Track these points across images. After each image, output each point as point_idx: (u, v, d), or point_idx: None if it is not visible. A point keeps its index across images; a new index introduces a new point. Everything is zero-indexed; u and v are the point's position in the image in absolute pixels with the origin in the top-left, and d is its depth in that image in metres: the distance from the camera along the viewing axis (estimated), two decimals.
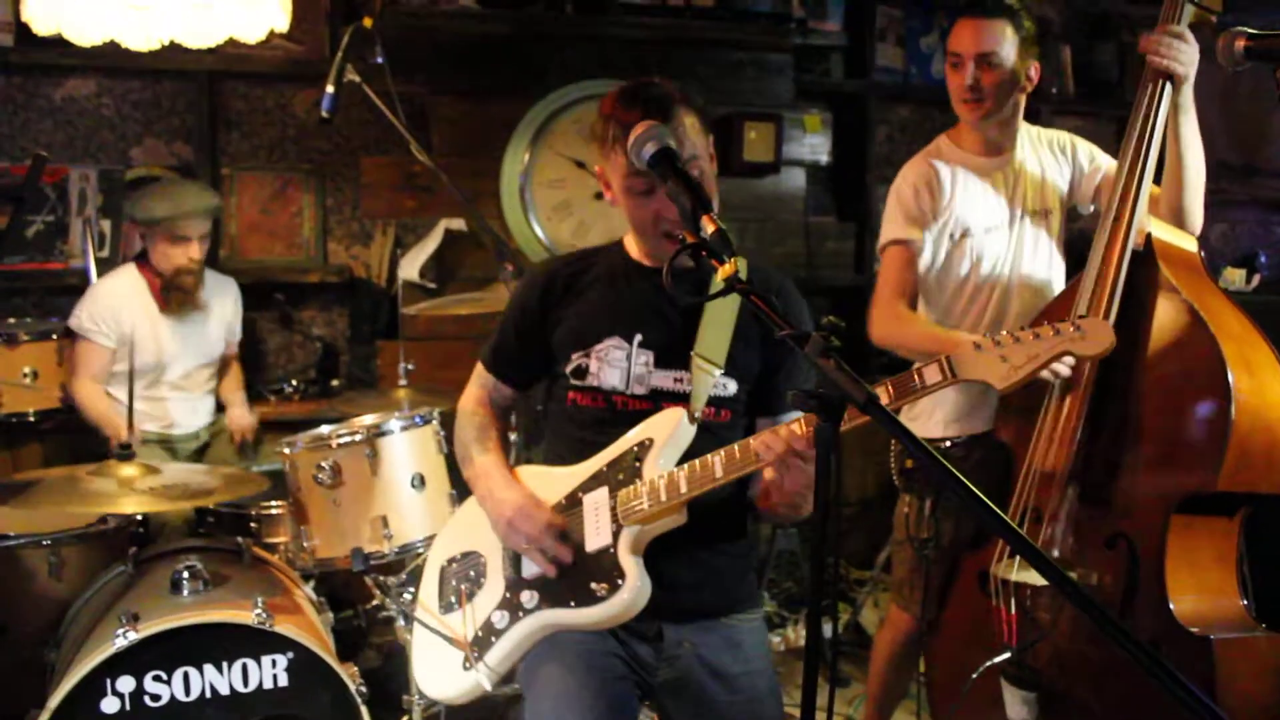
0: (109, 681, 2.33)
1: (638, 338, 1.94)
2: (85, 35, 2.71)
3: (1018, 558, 2.36)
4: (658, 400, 1.93)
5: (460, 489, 3.01)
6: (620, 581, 1.81)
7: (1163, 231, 2.42)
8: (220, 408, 3.77)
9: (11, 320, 3.70)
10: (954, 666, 2.57)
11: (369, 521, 2.81)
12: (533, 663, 1.92)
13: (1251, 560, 2.33)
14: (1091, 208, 2.75)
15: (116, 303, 3.46)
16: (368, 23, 2.92)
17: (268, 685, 2.45)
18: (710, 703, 1.93)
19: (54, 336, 3.57)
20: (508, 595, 1.96)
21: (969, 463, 2.70)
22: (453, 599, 2.07)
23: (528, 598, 1.92)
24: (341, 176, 4.34)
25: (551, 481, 1.99)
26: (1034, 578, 2.32)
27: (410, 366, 3.44)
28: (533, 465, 2.09)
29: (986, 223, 2.67)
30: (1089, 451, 2.33)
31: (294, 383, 4.21)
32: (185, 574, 2.56)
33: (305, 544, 2.83)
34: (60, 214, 4.06)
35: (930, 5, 4.92)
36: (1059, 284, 2.76)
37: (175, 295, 3.50)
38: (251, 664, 2.44)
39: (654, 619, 1.89)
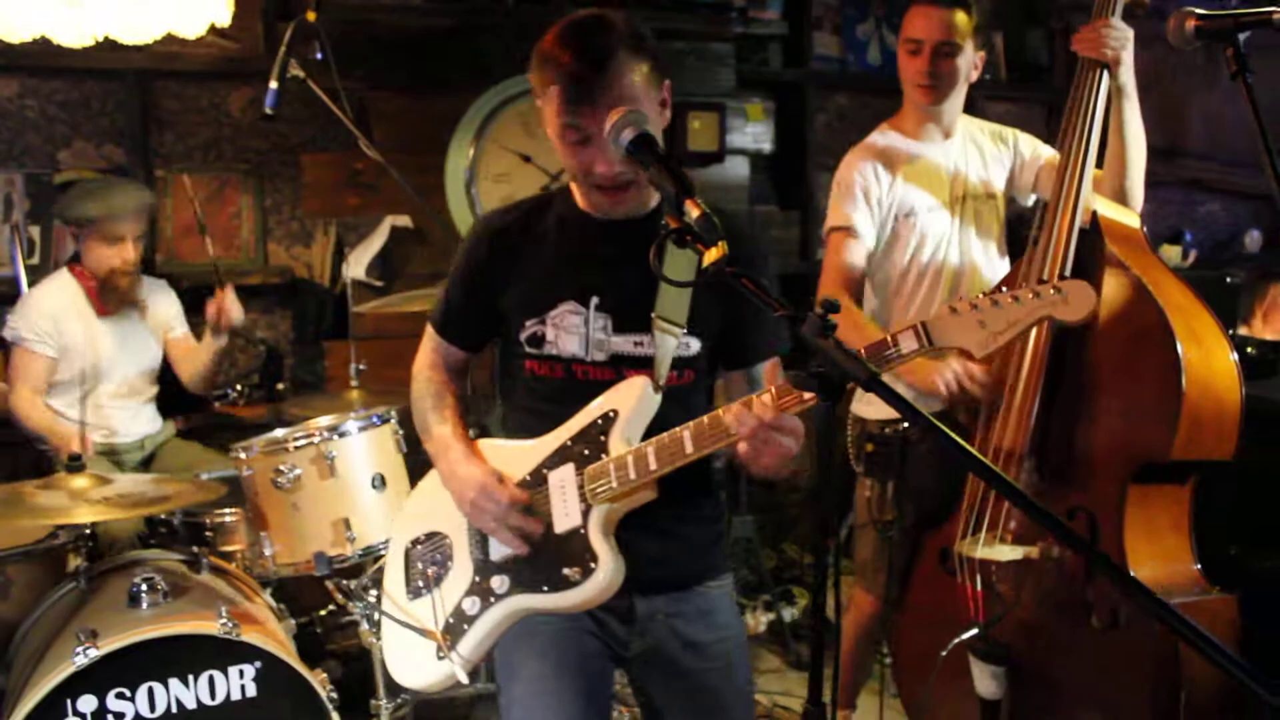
0: (69, 702, 2.26)
1: (594, 300, 1.85)
2: (15, 31, 2.62)
3: (981, 535, 2.41)
4: (619, 366, 1.85)
5: None
6: (593, 565, 1.77)
7: (1107, 209, 2.47)
8: (166, 413, 3.66)
9: None
10: (919, 645, 2.61)
11: (331, 524, 2.77)
12: (507, 649, 1.88)
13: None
14: (1032, 198, 2.81)
15: (54, 309, 3.35)
16: (311, 16, 2.86)
17: (235, 696, 2.41)
18: (683, 672, 1.90)
19: None
20: (477, 580, 1.90)
21: (926, 444, 2.74)
22: (420, 584, 1.99)
23: (499, 583, 1.87)
24: (280, 176, 4.24)
25: (513, 456, 1.91)
26: (998, 553, 2.35)
27: (362, 366, 3.39)
28: (492, 439, 2.01)
29: (929, 203, 2.72)
30: (1044, 427, 2.37)
31: (238, 387, 4.11)
32: (143, 586, 2.49)
33: (266, 550, 2.77)
34: None
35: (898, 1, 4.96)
36: (1002, 268, 2.82)
37: (113, 295, 3.39)
38: (218, 676, 2.39)
39: (625, 594, 1.83)
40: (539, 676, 1.80)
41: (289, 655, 2.46)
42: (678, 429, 1.73)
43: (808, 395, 1.58)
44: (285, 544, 2.79)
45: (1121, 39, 2.36)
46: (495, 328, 1.98)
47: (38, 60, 3.84)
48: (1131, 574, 2.26)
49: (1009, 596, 2.39)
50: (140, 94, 4.02)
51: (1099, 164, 2.53)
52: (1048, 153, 2.77)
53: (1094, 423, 2.35)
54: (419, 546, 2.03)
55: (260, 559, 2.85)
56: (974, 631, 2.37)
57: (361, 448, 2.84)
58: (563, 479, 1.83)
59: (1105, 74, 2.39)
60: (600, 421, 1.82)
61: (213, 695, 2.39)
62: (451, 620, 1.90)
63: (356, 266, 3.83)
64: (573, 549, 1.79)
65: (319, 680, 2.48)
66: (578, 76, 1.70)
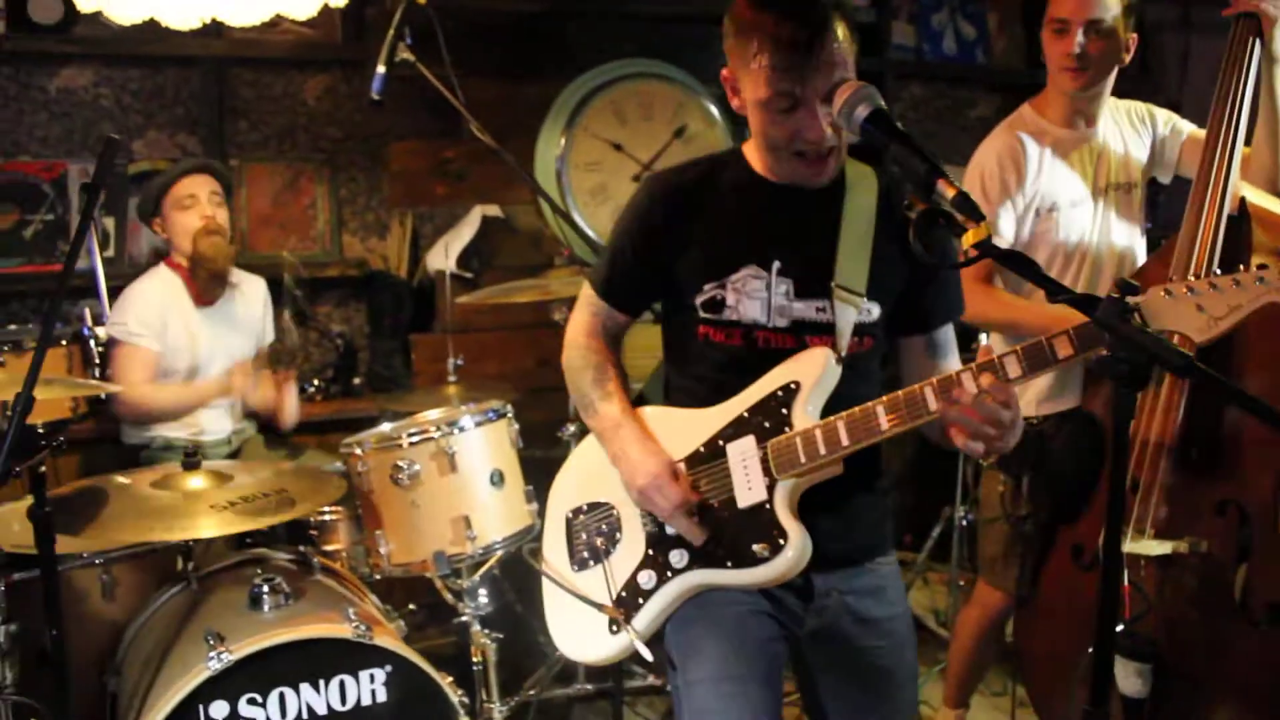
0: (201, 708, 2.16)
1: (776, 264, 1.77)
2: (124, 13, 2.52)
3: (1130, 529, 2.31)
4: (800, 333, 1.77)
5: (536, 485, 2.89)
6: (782, 541, 1.69)
7: (1256, 195, 2.37)
8: (248, 415, 3.56)
9: (13, 327, 3.45)
10: (1049, 643, 2.55)
11: (450, 522, 2.65)
12: (683, 625, 1.80)
13: None
14: (1170, 176, 2.71)
15: (158, 302, 3.25)
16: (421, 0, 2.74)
17: (366, 701, 2.31)
18: (857, 650, 1.83)
19: (63, 343, 3.34)
20: (651, 553, 1.82)
21: (1060, 439, 2.64)
22: (586, 555, 1.92)
23: (677, 557, 1.79)
24: (355, 165, 4.15)
25: (684, 426, 1.84)
26: (1145, 548, 2.27)
27: (460, 361, 3.29)
28: (658, 407, 1.92)
29: (1072, 197, 2.60)
30: (1192, 419, 2.28)
31: (315, 382, 4.02)
32: (265, 588, 2.39)
33: (381, 549, 2.66)
34: (60, 213, 3.82)
35: None
36: (1141, 257, 2.72)
37: (204, 270, 3.27)
38: (349, 680, 2.30)
39: (804, 570, 1.76)
40: (722, 660, 1.73)
41: (419, 658, 2.36)
42: (870, 404, 1.67)
43: (1011, 373, 1.55)
44: (401, 542, 2.67)
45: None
46: (662, 291, 1.90)
47: (112, 48, 3.76)
48: None
49: (1154, 592, 2.30)
50: (216, 82, 3.92)
51: (1247, 141, 2.42)
52: (1188, 128, 2.66)
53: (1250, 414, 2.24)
54: (582, 516, 1.95)
55: (371, 557, 2.74)
56: (1120, 628, 2.26)
57: (479, 443, 2.72)
58: (744, 451, 1.76)
59: (1259, 41, 2.27)
60: (781, 393, 1.75)
61: (343, 700, 2.29)
62: (625, 594, 1.84)
63: (443, 258, 3.73)
64: (758, 524, 1.73)
65: (448, 683, 2.39)
66: (791, 43, 1.62)
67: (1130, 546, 2.28)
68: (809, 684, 1.89)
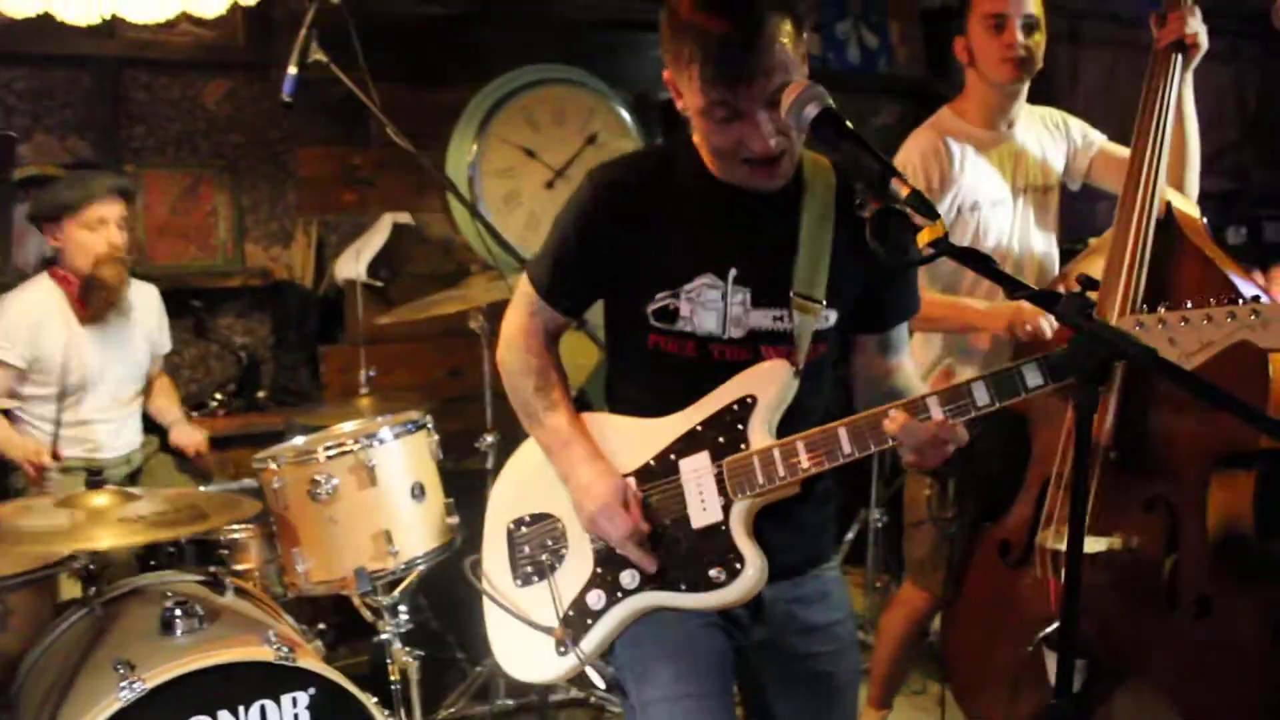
0: None
1: (732, 273, 1.68)
2: (19, 6, 2.39)
3: (1055, 526, 2.37)
4: (756, 343, 1.70)
5: (457, 496, 2.83)
6: (739, 566, 1.65)
7: (1178, 200, 2.46)
8: (150, 427, 3.42)
9: None
10: (974, 640, 2.60)
11: (371, 537, 2.57)
12: (632, 643, 1.74)
13: None
14: (1079, 184, 2.79)
15: (33, 317, 3.08)
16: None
17: None
18: (801, 657, 1.80)
19: None
20: (599, 571, 1.75)
21: (985, 438, 2.68)
22: (530, 570, 1.83)
23: (628, 578, 1.72)
24: (257, 172, 4.02)
25: (633, 436, 1.76)
26: (1088, 545, 2.29)
27: (373, 372, 3.20)
28: (604, 414, 1.84)
29: (993, 196, 2.65)
30: (1122, 418, 2.34)
31: (216, 397, 3.87)
32: (177, 612, 2.28)
33: (299, 567, 2.57)
34: None
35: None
36: (1055, 259, 2.79)
37: (97, 296, 3.13)
38: (270, 705, 2.19)
39: None
40: (677, 677, 1.67)
41: (343, 679, 2.28)
42: (831, 425, 1.63)
43: (980, 402, 1.54)
44: (320, 560, 2.58)
45: (1200, 24, 2.36)
46: (607, 292, 1.80)
47: None
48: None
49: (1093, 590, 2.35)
50: (109, 83, 3.75)
51: None
52: (1099, 139, 2.74)
53: (1179, 412, 2.31)
54: (524, 528, 1.86)
55: (286, 576, 2.64)
56: (1055, 625, 2.31)
57: (399, 455, 2.65)
58: (697, 468, 1.70)
59: (1181, 60, 2.38)
60: (737, 407, 1.69)
61: None
62: (572, 613, 1.76)
63: (353, 266, 3.63)
64: (713, 547, 1.67)
65: (373, 704, 2.31)
66: (728, 45, 1.52)
67: (1058, 544, 2.32)
68: (753, 691, 1.85)
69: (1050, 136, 2.74)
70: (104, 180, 3.15)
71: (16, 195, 3.61)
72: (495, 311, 3.19)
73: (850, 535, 4.08)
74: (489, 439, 3.21)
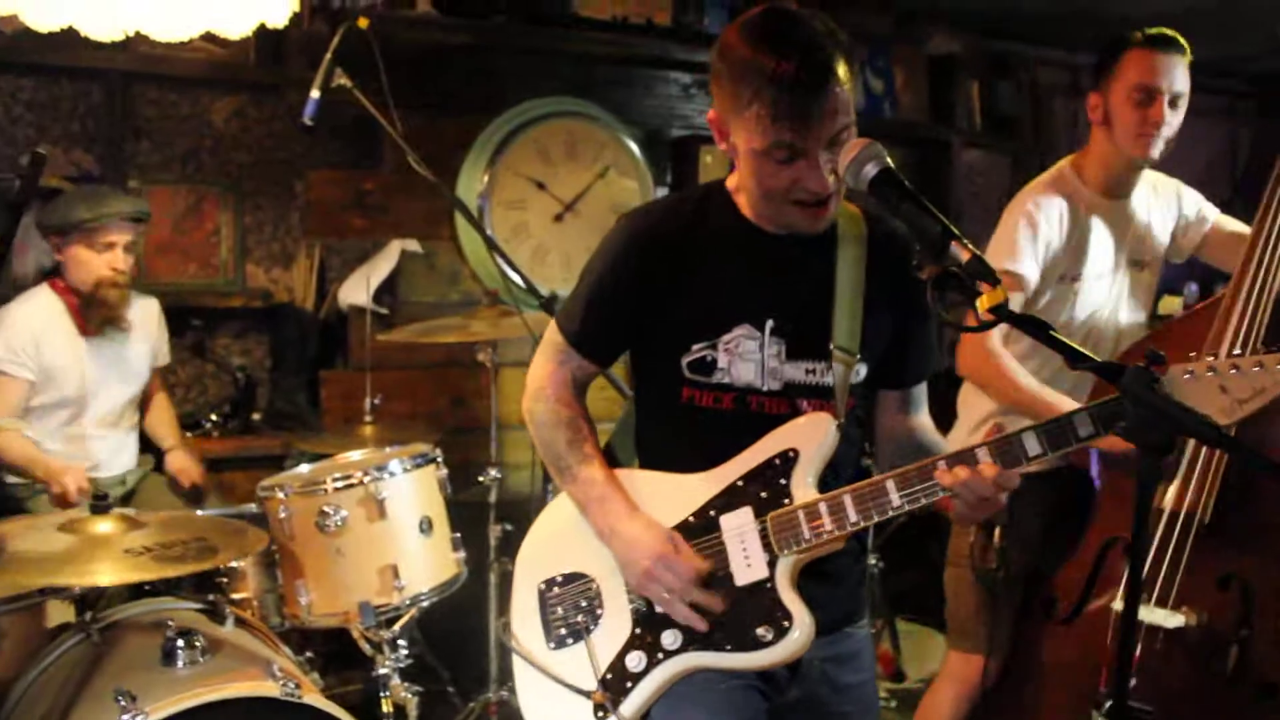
0: None
1: (769, 324, 1.66)
2: (43, 20, 2.36)
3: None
4: (793, 396, 1.67)
5: (465, 531, 2.79)
6: (787, 624, 1.60)
7: None
8: (145, 447, 3.36)
9: None
10: (1017, 700, 2.50)
11: (377, 572, 2.53)
12: (671, 706, 1.68)
13: None
14: (1184, 259, 2.68)
15: (35, 327, 3.03)
16: (363, 23, 2.65)
17: None
18: (830, 716, 1.77)
19: None
20: (639, 632, 1.69)
21: (1032, 493, 2.55)
22: (564, 633, 1.76)
23: (670, 639, 1.67)
24: (262, 193, 3.98)
25: (669, 492, 1.72)
26: (1165, 619, 2.23)
27: (377, 400, 3.16)
28: (636, 470, 1.79)
29: (1097, 269, 2.52)
30: (1222, 493, 2.23)
31: (212, 418, 3.82)
32: (179, 642, 2.22)
33: (302, 599, 2.52)
34: None
35: (882, 46, 4.94)
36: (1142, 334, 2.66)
37: (98, 312, 3.09)
38: None
39: None
40: None
41: (346, 716, 2.23)
42: (878, 477, 1.59)
43: (1031, 452, 1.51)
44: (324, 592, 2.53)
45: None
46: (638, 340, 1.77)
47: (3, 55, 3.52)
48: None
49: (1150, 661, 2.25)
50: (119, 98, 3.71)
51: None
52: (1213, 214, 2.64)
53: (1273, 489, 2.22)
54: (556, 589, 1.79)
55: (287, 608, 2.59)
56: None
57: (409, 489, 2.61)
58: (740, 524, 1.66)
59: None
60: (779, 461, 1.65)
61: None
62: (610, 676, 1.70)
63: (358, 292, 3.59)
64: (760, 604, 1.63)
65: None
66: (793, 88, 1.50)
67: (1149, 615, 2.23)
68: None
69: (1162, 207, 2.62)
70: (120, 204, 3.10)
71: (30, 207, 3.56)
72: (503, 346, 3.19)
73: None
74: (493, 472, 3.17)
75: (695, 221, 1.71)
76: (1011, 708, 2.53)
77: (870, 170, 1.44)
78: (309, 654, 3.10)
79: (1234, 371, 1.44)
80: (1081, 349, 1.30)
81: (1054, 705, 2.29)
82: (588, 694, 1.70)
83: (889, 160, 1.45)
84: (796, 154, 1.55)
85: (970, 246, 1.35)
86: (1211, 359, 1.49)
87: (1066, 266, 2.49)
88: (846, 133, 1.54)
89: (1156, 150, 2.44)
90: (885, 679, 4.03)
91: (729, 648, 1.64)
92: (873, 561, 3.82)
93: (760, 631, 1.62)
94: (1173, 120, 2.42)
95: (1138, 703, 2.20)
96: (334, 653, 3.28)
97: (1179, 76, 2.40)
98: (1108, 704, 2.16)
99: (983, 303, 1.31)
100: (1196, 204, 2.65)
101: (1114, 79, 2.43)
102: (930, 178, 5.14)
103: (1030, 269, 2.43)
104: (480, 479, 3.17)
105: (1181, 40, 2.41)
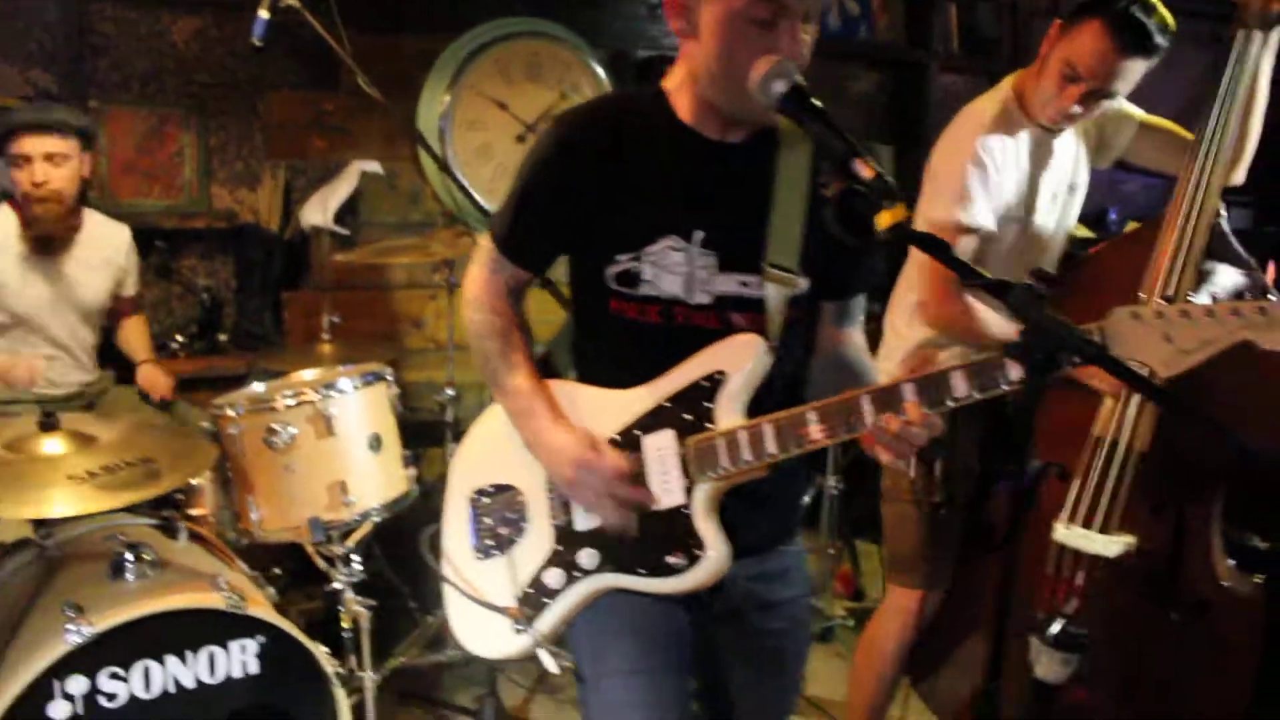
0: (56, 684, 2.05)
1: (698, 235, 1.61)
2: None
3: (1065, 517, 2.27)
4: (724, 309, 1.63)
5: (415, 448, 2.84)
6: (698, 551, 1.61)
7: None
8: (109, 361, 3.38)
9: None
10: (943, 628, 2.55)
11: (326, 488, 2.58)
12: (588, 620, 1.71)
13: None
14: (1109, 162, 2.64)
15: None
16: None
17: (237, 674, 2.24)
18: (756, 633, 1.78)
19: None
20: (559, 549, 1.71)
21: (974, 426, 2.53)
22: (490, 543, 1.77)
23: (587, 558, 1.69)
24: (226, 114, 3.94)
25: (596, 408, 1.69)
26: (1090, 541, 2.23)
27: (336, 319, 3.18)
28: (567, 382, 1.76)
29: (1044, 202, 2.50)
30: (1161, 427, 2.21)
31: (178, 339, 3.84)
32: (129, 556, 2.28)
33: (253, 515, 2.57)
34: None
35: None
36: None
37: (33, 229, 3.08)
38: (219, 652, 2.22)
39: None
40: (631, 653, 1.65)
41: (294, 629, 2.29)
42: (800, 409, 1.55)
43: (958, 394, 1.44)
44: (274, 508, 2.58)
45: None
46: (570, 248, 1.72)
47: None
48: (1217, 570, 2.25)
49: (1086, 585, 2.26)
50: (75, 15, 3.66)
51: None
52: (1138, 112, 2.55)
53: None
54: (485, 499, 1.80)
55: (241, 523, 2.64)
56: (1060, 620, 2.21)
57: (358, 407, 2.64)
58: (661, 446, 1.63)
59: (1258, 35, 2.26)
60: (706, 383, 1.62)
61: (213, 672, 2.21)
62: (530, 591, 1.73)
63: (319, 213, 3.59)
64: (674, 530, 1.63)
65: (323, 654, 2.33)
66: None
67: (1068, 537, 2.25)
68: (706, 663, 1.82)
69: (1092, 128, 2.57)
70: (25, 114, 3.06)
71: None
72: (460, 265, 3.20)
73: (805, 501, 4.11)
74: (449, 392, 3.21)
75: (626, 126, 1.65)
76: (948, 635, 2.55)
77: (779, 86, 1.44)
78: (276, 571, 3.19)
79: (1183, 318, 1.34)
80: (976, 268, 1.30)
81: (970, 621, 2.33)
82: (503, 610, 1.72)
83: (800, 79, 1.45)
84: (780, 12, 1.49)
85: (874, 164, 1.34)
86: (1161, 304, 1.43)
87: (1017, 206, 2.45)
88: (815, 26, 1.53)
89: (1069, 124, 2.41)
90: (845, 598, 4.13)
91: (642, 572, 1.64)
92: (833, 483, 3.89)
93: (672, 559, 1.62)
94: (1090, 109, 2.35)
95: (1075, 627, 2.21)
96: (299, 570, 3.34)
97: (1123, 79, 2.30)
98: (1050, 629, 2.19)
99: (882, 219, 1.30)
100: (1118, 103, 2.53)
101: (1069, 35, 2.32)
102: (907, 101, 5.10)
103: (985, 216, 2.38)
104: (436, 398, 3.21)
105: (1159, 39, 2.26)
